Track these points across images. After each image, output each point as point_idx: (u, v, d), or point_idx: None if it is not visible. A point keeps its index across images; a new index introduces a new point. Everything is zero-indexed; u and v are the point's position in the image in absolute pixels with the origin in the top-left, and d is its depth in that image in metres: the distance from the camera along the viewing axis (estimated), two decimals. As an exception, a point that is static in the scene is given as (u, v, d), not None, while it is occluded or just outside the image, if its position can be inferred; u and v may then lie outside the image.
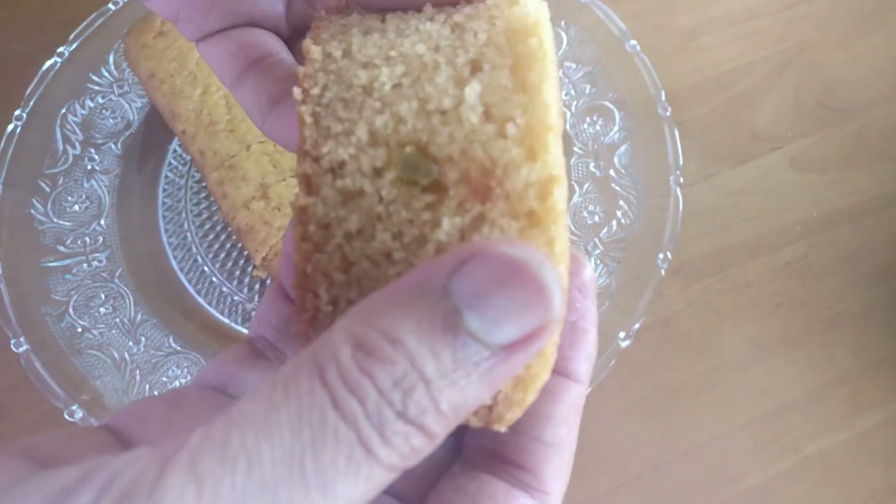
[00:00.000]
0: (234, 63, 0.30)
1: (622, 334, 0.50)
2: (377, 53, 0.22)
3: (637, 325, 0.51)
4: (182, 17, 0.30)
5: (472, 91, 0.21)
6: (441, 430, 0.16)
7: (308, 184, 0.21)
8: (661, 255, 0.53)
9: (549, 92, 0.20)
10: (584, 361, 0.23)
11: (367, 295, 0.20)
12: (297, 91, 0.22)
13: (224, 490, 0.14)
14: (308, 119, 0.22)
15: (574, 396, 0.22)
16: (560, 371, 0.22)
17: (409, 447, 0.15)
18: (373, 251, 0.21)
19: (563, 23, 0.63)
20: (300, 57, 0.29)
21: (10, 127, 0.53)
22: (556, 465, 0.22)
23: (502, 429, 0.20)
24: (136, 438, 0.21)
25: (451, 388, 0.15)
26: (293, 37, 0.32)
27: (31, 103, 0.54)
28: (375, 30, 0.23)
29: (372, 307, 0.16)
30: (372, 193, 0.21)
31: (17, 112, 0.54)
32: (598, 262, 0.54)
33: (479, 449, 0.23)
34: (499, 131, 0.20)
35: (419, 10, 0.24)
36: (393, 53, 0.22)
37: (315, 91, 0.22)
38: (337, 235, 0.21)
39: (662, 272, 0.53)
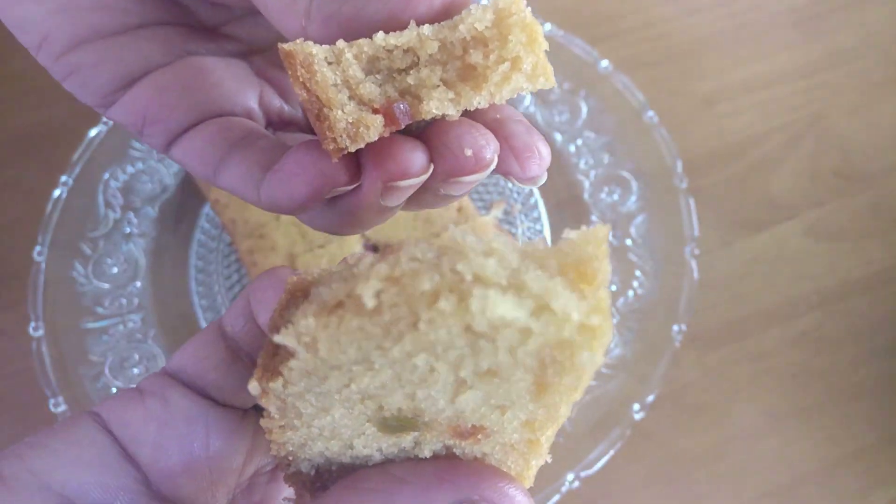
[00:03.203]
0: (214, 150, 0.28)
1: (637, 406, 0.51)
2: (356, 356, 0.18)
3: (651, 397, 0.52)
4: (150, 118, 0.28)
5: (471, 398, 0.18)
6: None
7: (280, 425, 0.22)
8: (675, 327, 0.54)
9: (565, 406, 0.18)
10: None
11: (345, 471, 0.22)
12: (252, 386, 0.20)
13: None
14: (273, 408, 0.20)
15: None
16: None
17: None
18: (355, 455, 0.22)
19: (583, 93, 0.65)
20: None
21: (57, 192, 0.56)
22: None
23: None
24: (134, 452, 0.24)
25: None
26: (268, 129, 0.31)
27: (77, 169, 0.57)
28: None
29: None
30: (350, 437, 0.21)
31: (64, 178, 0.57)
32: (615, 331, 0.55)
33: None
34: (496, 408, 0.19)
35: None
36: (378, 362, 0.18)
37: (275, 386, 0.19)
38: (315, 449, 0.22)
39: (677, 343, 0.54)
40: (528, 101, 0.66)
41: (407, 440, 0.21)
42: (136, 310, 0.54)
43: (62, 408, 0.49)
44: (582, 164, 0.63)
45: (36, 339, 0.51)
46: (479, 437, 0.19)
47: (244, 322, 0.26)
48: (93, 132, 0.59)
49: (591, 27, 0.74)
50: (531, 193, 0.62)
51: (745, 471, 0.55)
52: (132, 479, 0.23)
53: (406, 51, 0.23)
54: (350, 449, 0.21)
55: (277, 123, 0.31)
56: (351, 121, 0.23)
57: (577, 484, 0.49)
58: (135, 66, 0.28)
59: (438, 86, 0.23)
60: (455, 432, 0.20)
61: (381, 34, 0.23)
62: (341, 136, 0.23)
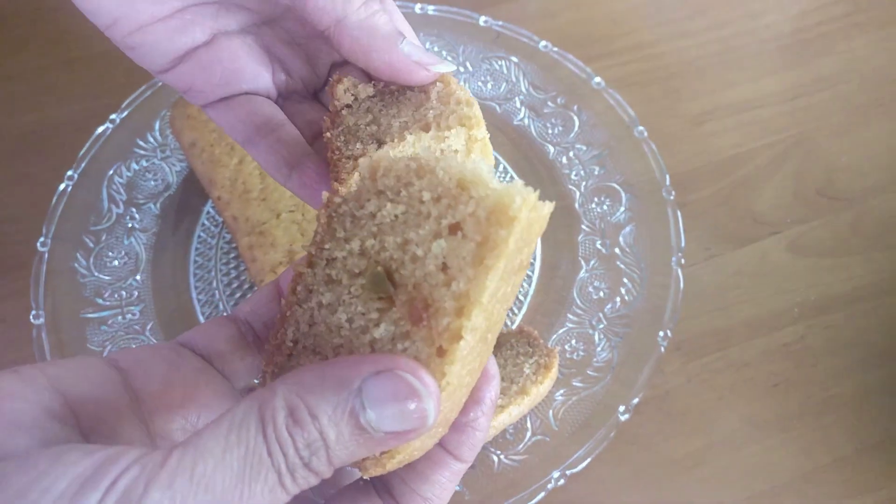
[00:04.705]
0: (243, 127, 0.39)
1: (622, 408, 0.53)
2: (394, 185, 0.28)
3: (636, 400, 0.53)
4: (194, 88, 0.39)
5: (438, 246, 0.26)
6: (330, 473, 0.24)
7: (310, 260, 0.30)
8: (661, 333, 0.56)
9: (492, 279, 0.24)
10: (469, 449, 0.30)
11: (316, 347, 0.29)
12: (324, 195, 0.30)
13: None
14: (324, 220, 0.30)
15: (453, 470, 0.30)
16: (448, 449, 0.30)
17: (307, 483, 0.24)
18: (330, 322, 0.29)
19: (576, 107, 0.68)
20: (293, 117, 0.40)
21: (62, 186, 0.58)
22: None
23: (366, 476, 0.28)
24: (139, 387, 0.29)
25: (344, 451, 0.24)
26: (278, 100, 0.41)
27: (83, 165, 0.59)
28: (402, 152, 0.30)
29: (307, 382, 0.24)
30: (346, 285, 0.29)
31: (70, 172, 0.58)
32: (602, 336, 0.57)
33: (380, 478, 0.31)
34: (446, 283, 0.26)
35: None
36: (403, 193, 0.28)
37: (337, 200, 0.30)
38: (313, 301, 0.29)
39: (662, 349, 0.55)
40: (522, 113, 0.69)
41: (373, 311, 0.28)
42: (136, 302, 0.56)
43: (60, 394, 0.50)
44: (573, 175, 0.65)
45: (36, 326, 0.52)
46: (424, 317, 0.26)
47: (258, 310, 0.34)
48: (100, 129, 0.60)
49: (584, 47, 0.77)
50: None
51: (726, 476, 0.56)
52: (125, 403, 0.28)
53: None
54: (332, 314, 0.29)
55: (284, 93, 0.41)
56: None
57: (562, 482, 0.50)
58: (182, 46, 0.38)
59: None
60: (409, 311, 0.26)
61: None
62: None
